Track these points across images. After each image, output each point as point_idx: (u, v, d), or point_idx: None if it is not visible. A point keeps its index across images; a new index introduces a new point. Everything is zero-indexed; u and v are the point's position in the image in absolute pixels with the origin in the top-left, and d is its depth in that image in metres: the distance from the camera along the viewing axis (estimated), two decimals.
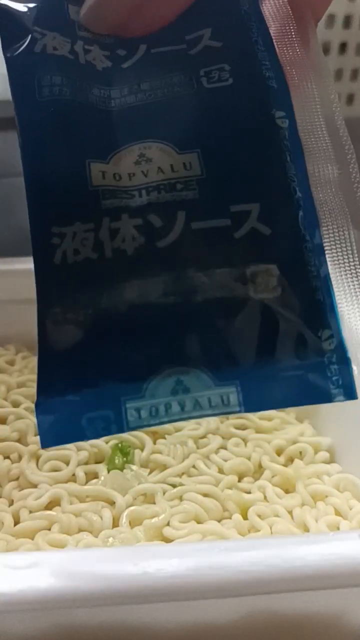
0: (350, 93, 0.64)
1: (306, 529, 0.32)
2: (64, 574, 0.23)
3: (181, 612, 0.26)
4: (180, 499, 0.33)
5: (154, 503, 0.33)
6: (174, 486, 0.34)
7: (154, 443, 0.37)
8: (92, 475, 0.35)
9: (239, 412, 0.18)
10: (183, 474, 0.35)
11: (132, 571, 0.23)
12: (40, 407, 0.17)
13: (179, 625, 0.26)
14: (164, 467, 0.35)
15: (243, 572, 0.24)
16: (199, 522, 0.32)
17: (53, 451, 0.35)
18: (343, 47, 0.62)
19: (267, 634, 0.26)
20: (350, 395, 0.18)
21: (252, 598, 0.25)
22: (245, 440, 0.38)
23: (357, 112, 0.64)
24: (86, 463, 0.35)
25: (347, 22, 0.61)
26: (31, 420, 0.37)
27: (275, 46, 0.20)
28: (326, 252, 0.19)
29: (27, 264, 0.44)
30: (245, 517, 0.32)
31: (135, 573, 0.23)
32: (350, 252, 0.19)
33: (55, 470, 0.34)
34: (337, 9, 0.60)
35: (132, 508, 0.32)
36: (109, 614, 0.25)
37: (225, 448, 0.37)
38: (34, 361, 0.43)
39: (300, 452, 0.37)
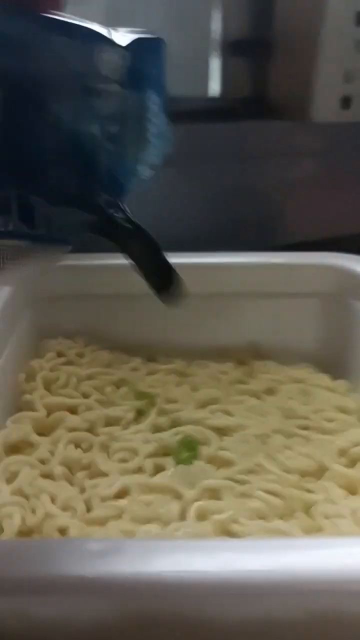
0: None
1: None
2: (142, 562, 0.24)
3: (250, 608, 0.27)
4: (246, 496, 0.34)
5: (220, 499, 0.33)
6: (240, 483, 0.34)
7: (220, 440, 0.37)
8: (160, 468, 0.35)
9: None
10: (249, 471, 0.35)
11: (208, 563, 0.24)
12: None
13: (246, 621, 0.27)
14: (229, 464, 0.36)
15: (314, 570, 0.24)
16: (264, 520, 0.32)
17: (122, 442, 0.36)
18: None
19: (335, 635, 0.27)
20: None
21: (321, 597, 0.25)
22: (308, 440, 0.38)
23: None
24: (154, 455, 0.36)
25: None
26: (101, 412, 0.38)
27: None
28: None
29: (95, 260, 0.46)
30: (309, 517, 0.33)
31: (211, 565, 0.24)
32: None
33: (124, 461, 0.35)
34: None
35: (199, 503, 0.33)
36: (180, 605, 0.26)
37: (289, 447, 0.37)
38: (102, 354, 0.44)
39: None
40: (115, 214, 0.27)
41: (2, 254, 0.24)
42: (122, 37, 0.24)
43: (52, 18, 0.23)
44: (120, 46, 0.24)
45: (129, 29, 0.25)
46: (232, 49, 0.64)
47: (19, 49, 0.22)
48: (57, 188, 0.24)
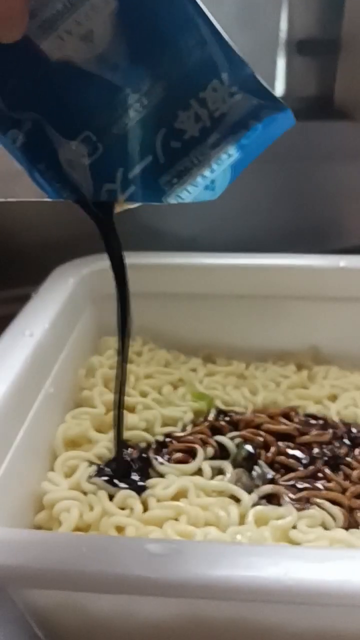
0: None
1: None
2: (203, 565, 0.24)
3: (312, 617, 0.26)
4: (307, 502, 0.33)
5: (280, 505, 0.33)
6: (300, 489, 0.33)
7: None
8: (218, 471, 0.35)
9: None
10: (309, 477, 0.34)
11: (273, 570, 0.23)
12: None
13: (307, 630, 0.26)
14: (289, 469, 0.35)
15: None
16: (325, 529, 0.31)
17: (181, 444, 0.36)
18: None
19: None
20: None
21: None
22: None
23: None
24: (212, 458, 0.36)
25: None
26: (158, 411, 0.38)
27: None
28: None
29: (155, 259, 0.46)
30: None
31: (276, 572, 0.23)
32: None
33: (182, 463, 0.35)
34: None
35: (258, 507, 0.32)
36: (240, 610, 0.26)
37: (349, 456, 0.36)
38: (159, 353, 0.44)
39: None
40: (102, 205, 0.25)
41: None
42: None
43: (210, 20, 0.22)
44: (241, 87, 0.23)
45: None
46: (299, 48, 0.63)
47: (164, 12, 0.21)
48: (83, 143, 0.23)
